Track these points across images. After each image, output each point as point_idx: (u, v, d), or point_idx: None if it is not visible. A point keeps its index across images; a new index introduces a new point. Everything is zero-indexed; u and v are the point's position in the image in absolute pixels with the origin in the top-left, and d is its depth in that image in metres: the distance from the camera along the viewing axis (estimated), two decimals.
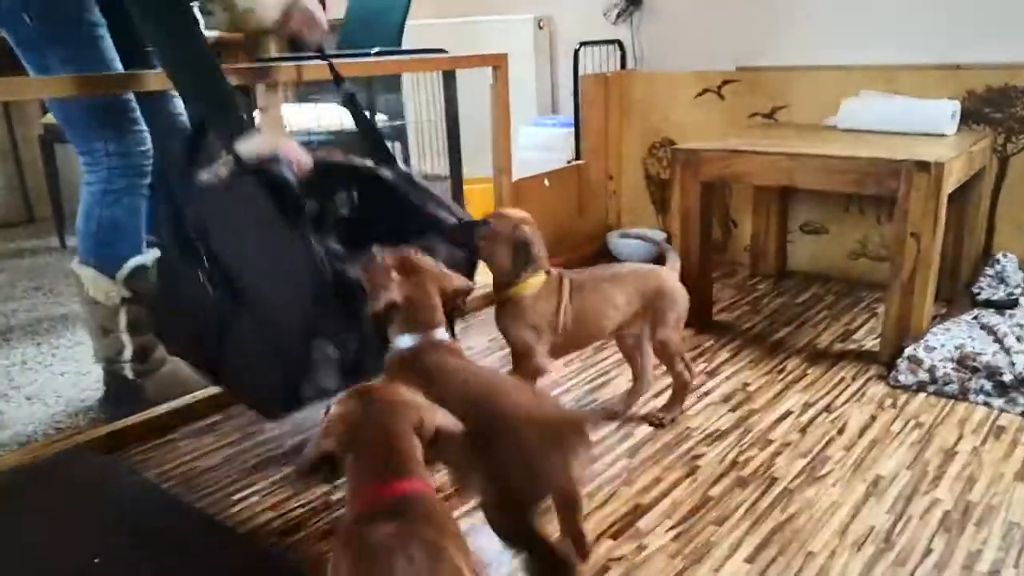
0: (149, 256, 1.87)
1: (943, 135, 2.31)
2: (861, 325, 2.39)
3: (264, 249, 1.48)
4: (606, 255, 3.16)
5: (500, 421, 1.18)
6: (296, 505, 1.57)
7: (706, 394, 1.98)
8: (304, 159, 1.49)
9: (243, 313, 1.54)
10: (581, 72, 3.08)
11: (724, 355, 2.21)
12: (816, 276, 2.84)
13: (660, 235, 3.11)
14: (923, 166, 1.96)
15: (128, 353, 1.86)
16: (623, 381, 2.06)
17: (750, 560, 1.37)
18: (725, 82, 2.90)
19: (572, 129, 3.32)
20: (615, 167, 3.23)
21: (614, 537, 1.44)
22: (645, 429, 1.82)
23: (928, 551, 1.38)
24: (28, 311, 2.68)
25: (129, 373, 1.89)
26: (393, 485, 0.99)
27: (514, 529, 1.21)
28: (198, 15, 1.55)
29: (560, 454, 1.19)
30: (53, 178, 3.44)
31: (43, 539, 1.41)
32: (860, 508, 1.50)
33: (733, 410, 1.89)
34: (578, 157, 3.15)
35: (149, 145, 1.82)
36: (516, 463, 1.17)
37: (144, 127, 1.82)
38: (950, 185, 2.02)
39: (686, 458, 1.69)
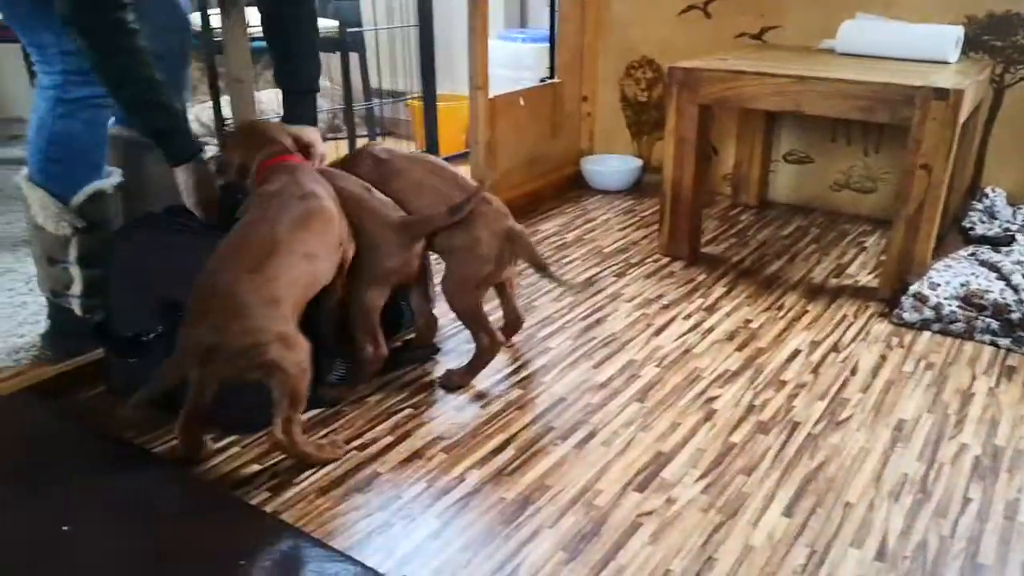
0: (109, 181, 1.63)
1: (946, 62, 2.21)
2: (852, 259, 2.32)
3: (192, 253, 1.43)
4: (580, 182, 3.00)
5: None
6: (283, 456, 1.41)
7: (709, 331, 1.88)
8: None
9: None
10: None
11: (719, 290, 2.10)
12: (798, 207, 2.76)
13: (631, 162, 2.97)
14: (941, 93, 1.85)
15: (78, 287, 1.64)
16: (620, 317, 1.94)
17: (787, 513, 1.28)
18: None
19: (544, 45, 3.11)
20: (589, 88, 3.05)
21: (640, 489, 1.33)
22: (652, 370, 1.71)
23: (966, 500, 1.32)
24: None
25: (77, 308, 1.66)
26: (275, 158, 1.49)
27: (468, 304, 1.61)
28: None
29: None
30: None
31: None
32: (889, 454, 1.43)
33: (740, 349, 1.80)
34: (552, 76, 2.95)
35: None
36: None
37: None
38: (964, 114, 1.92)
39: (700, 401, 1.59)
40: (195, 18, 2.25)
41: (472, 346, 1.65)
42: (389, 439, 1.46)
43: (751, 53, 2.42)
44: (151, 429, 1.49)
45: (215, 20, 2.12)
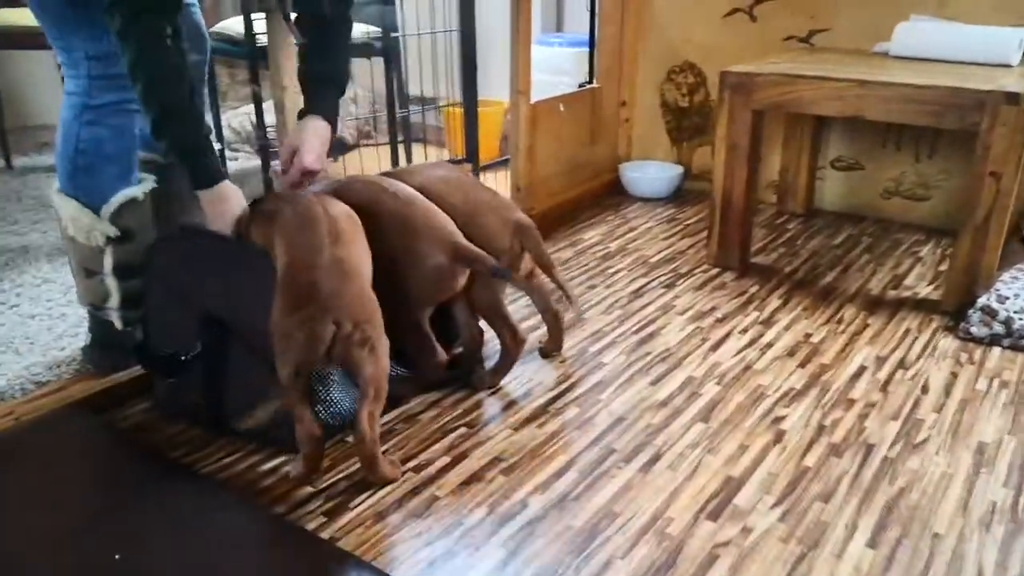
0: (140, 188, 1.58)
1: (1008, 65, 2.13)
2: (908, 270, 2.24)
3: (232, 269, 1.42)
4: (619, 189, 2.94)
5: None
6: (339, 477, 1.35)
7: (768, 346, 1.80)
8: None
9: (231, 348, 1.41)
10: None
11: (774, 302, 2.03)
12: (846, 215, 2.68)
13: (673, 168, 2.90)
14: (1012, 98, 1.78)
15: (115, 300, 1.59)
16: (674, 330, 1.88)
17: (872, 544, 1.21)
18: (758, 1, 2.66)
19: (580, 50, 3.05)
20: (628, 93, 2.99)
21: (713, 517, 1.26)
22: (713, 387, 1.64)
23: None
24: None
25: (117, 321, 1.62)
26: None
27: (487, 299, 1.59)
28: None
29: None
30: None
31: (43, 521, 1.17)
32: (974, 480, 1.35)
33: (802, 365, 1.72)
34: (591, 80, 2.89)
35: None
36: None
37: None
38: None
39: (767, 421, 1.52)
40: (237, 23, 2.21)
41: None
42: (445, 460, 1.40)
43: (802, 57, 2.35)
44: (199, 448, 1.43)
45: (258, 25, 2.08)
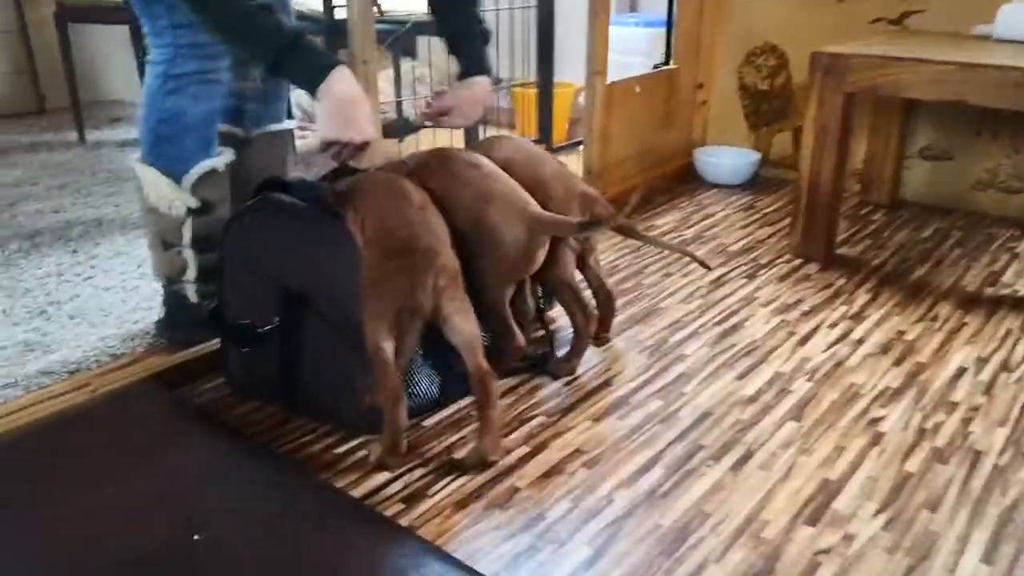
0: (220, 159, 1.55)
1: None
2: (1005, 267, 2.11)
3: (312, 241, 1.37)
4: (692, 175, 2.85)
5: None
6: (416, 464, 1.31)
7: (859, 342, 1.71)
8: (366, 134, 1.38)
9: (310, 322, 1.37)
10: None
11: (862, 296, 1.93)
12: (933, 207, 2.55)
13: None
14: None
15: (192, 272, 1.57)
16: (758, 323, 1.79)
17: (987, 560, 1.12)
18: None
19: (656, 30, 2.96)
20: (705, 75, 2.88)
21: (811, 523, 1.19)
22: (803, 384, 1.56)
23: None
24: (55, 212, 2.37)
25: (192, 295, 1.60)
26: None
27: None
28: None
29: None
30: (69, 62, 3.08)
31: (119, 499, 1.15)
32: None
33: (897, 364, 1.63)
34: (667, 62, 2.80)
35: None
36: None
37: None
38: None
39: (863, 422, 1.44)
40: None
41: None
42: (525, 449, 1.35)
43: (895, 39, 2.23)
44: (274, 427, 1.41)
45: None
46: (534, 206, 1.45)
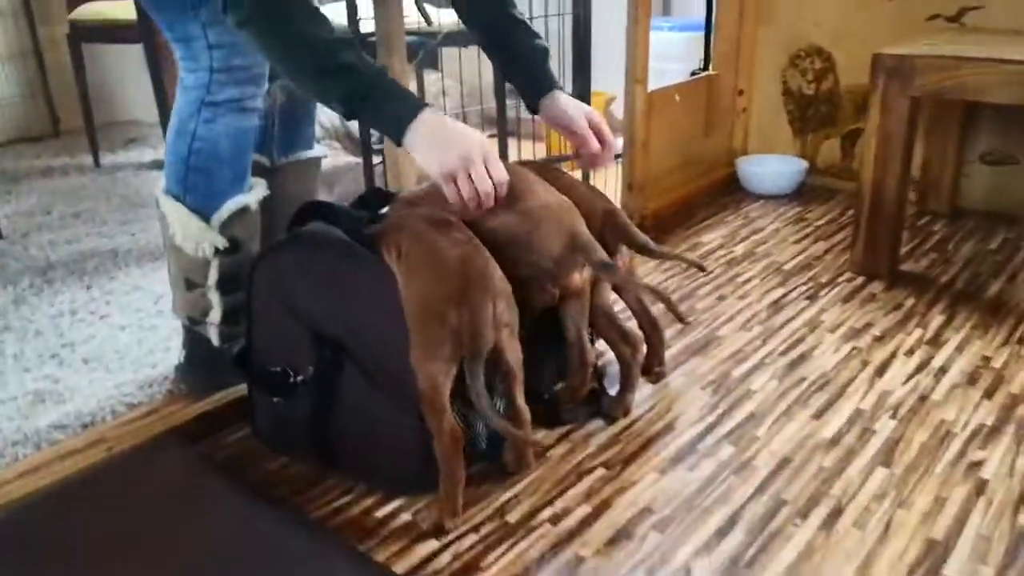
0: (254, 195, 1.42)
1: None
2: None
3: (350, 282, 1.23)
4: (735, 185, 2.70)
5: None
6: (467, 529, 1.17)
7: (942, 372, 1.56)
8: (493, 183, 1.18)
9: (347, 372, 1.24)
10: None
11: (937, 318, 1.78)
12: (997, 216, 2.39)
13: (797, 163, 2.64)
14: None
15: (217, 315, 1.44)
16: (827, 351, 1.64)
17: None
18: None
19: (692, 34, 2.82)
20: (746, 80, 2.74)
21: None
22: (887, 422, 1.41)
23: None
24: (69, 243, 2.26)
25: (215, 337, 1.47)
26: None
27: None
28: None
29: None
30: (83, 83, 2.98)
31: (138, 567, 1.02)
32: None
33: (988, 396, 1.48)
34: (706, 67, 2.65)
35: None
36: None
37: None
38: None
39: (962, 467, 1.28)
40: (337, 9, 2.06)
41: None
42: (586, 509, 1.21)
43: (959, 38, 2.07)
44: (307, 485, 1.27)
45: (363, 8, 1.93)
46: (580, 225, 1.31)
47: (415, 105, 1.16)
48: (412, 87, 2.92)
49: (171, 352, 1.64)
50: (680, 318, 1.47)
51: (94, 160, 3.04)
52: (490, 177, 1.16)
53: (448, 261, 1.14)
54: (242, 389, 1.44)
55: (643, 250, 1.44)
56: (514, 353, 1.19)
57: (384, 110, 1.17)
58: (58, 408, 1.47)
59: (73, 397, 1.50)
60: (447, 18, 2.27)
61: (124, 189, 2.75)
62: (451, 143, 1.14)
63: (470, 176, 1.15)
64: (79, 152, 3.21)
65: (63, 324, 1.78)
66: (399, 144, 1.17)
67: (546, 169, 1.47)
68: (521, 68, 1.47)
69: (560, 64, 2.38)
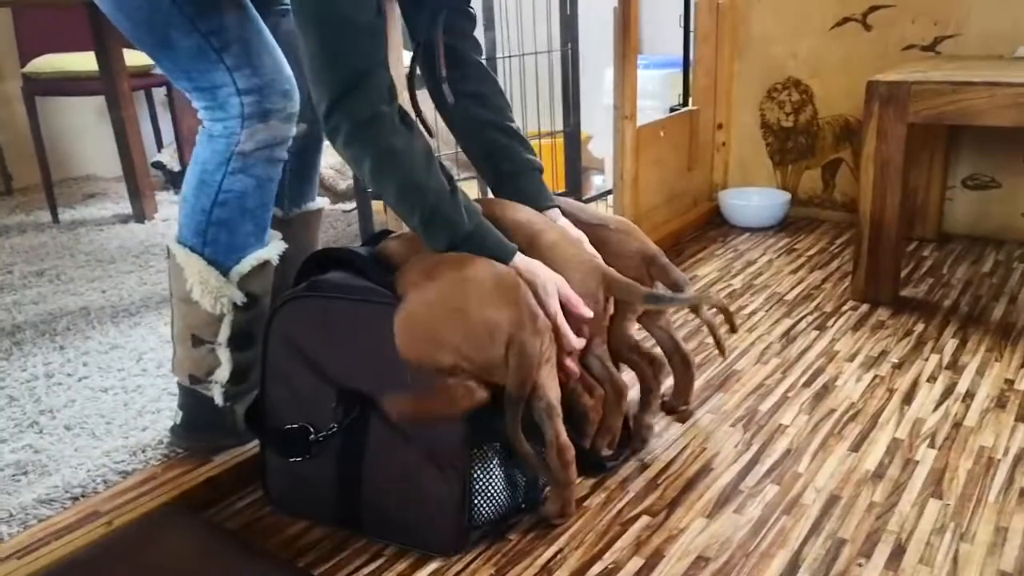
0: (274, 249, 1.33)
1: None
2: None
3: (375, 332, 1.13)
4: (718, 219, 2.69)
5: None
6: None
7: (969, 397, 1.53)
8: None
9: (373, 427, 1.16)
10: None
11: (950, 342, 1.76)
12: (984, 239, 2.41)
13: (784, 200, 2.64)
14: None
15: (225, 373, 1.34)
16: (850, 381, 1.60)
17: None
18: (872, 8, 2.42)
19: (667, 71, 2.83)
20: (724, 114, 2.74)
21: None
22: (927, 452, 1.36)
23: None
24: (35, 303, 2.12)
25: (218, 397, 1.37)
26: None
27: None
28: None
29: None
30: (38, 139, 2.86)
31: None
32: None
33: (1022, 420, 1.44)
34: (686, 103, 2.65)
35: (290, 75, 1.29)
36: None
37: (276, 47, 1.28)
38: None
39: (1014, 493, 1.24)
40: None
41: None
42: (638, 562, 1.13)
43: (941, 65, 2.10)
44: (331, 553, 1.17)
45: None
46: (602, 262, 1.26)
47: (508, 251, 1.18)
48: None
49: (161, 413, 1.53)
50: (722, 344, 1.44)
51: (52, 216, 2.90)
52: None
53: (506, 281, 1.11)
54: (249, 450, 1.34)
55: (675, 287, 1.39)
56: (555, 389, 1.12)
57: (484, 251, 1.16)
58: (43, 480, 1.34)
59: (59, 468, 1.37)
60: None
61: (88, 246, 2.61)
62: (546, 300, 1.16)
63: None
64: (34, 209, 3.06)
65: (38, 389, 1.65)
66: None
67: (571, 206, 1.43)
68: (515, 185, 1.38)
69: (541, 104, 2.35)
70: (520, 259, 1.18)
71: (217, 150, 1.24)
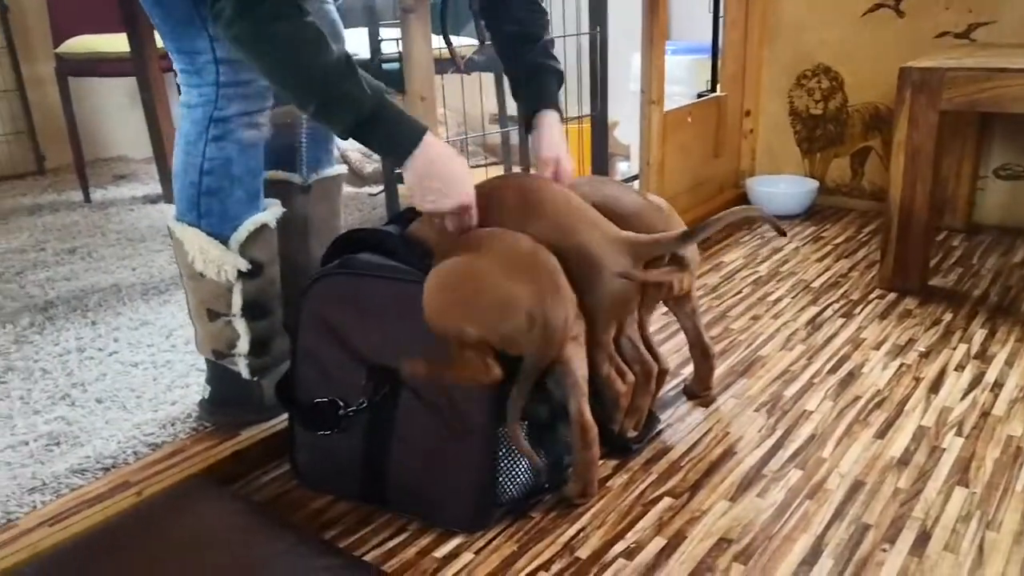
0: (270, 213, 1.35)
1: None
2: None
3: (407, 310, 1.14)
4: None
5: None
6: (536, 567, 1.09)
7: (997, 386, 1.51)
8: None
9: (402, 402, 1.17)
10: None
11: (979, 332, 1.74)
12: (1015, 230, 2.37)
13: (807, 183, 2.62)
14: None
15: (245, 344, 1.36)
16: (875, 368, 1.59)
17: None
18: None
19: (694, 57, 2.81)
20: (752, 101, 2.72)
21: None
22: (954, 440, 1.35)
23: None
24: (67, 280, 2.16)
25: (244, 370, 1.39)
26: None
27: None
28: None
29: None
30: (71, 119, 2.89)
31: None
32: None
33: None
34: (714, 89, 2.63)
35: None
36: None
37: None
38: None
39: None
40: (357, 34, 2.00)
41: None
42: (660, 542, 1.14)
43: (975, 52, 2.07)
44: (356, 526, 1.19)
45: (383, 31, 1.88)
46: (626, 232, 1.25)
47: (419, 128, 1.15)
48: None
49: (190, 388, 1.55)
50: (779, 230, 1.34)
51: (84, 196, 2.94)
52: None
53: (525, 254, 1.12)
54: (276, 425, 1.36)
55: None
56: (583, 368, 1.13)
57: (392, 130, 1.14)
58: (75, 451, 1.37)
59: (91, 439, 1.40)
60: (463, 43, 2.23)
61: (118, 225, 2.65)
62: (448, 189, 1.16)
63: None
64: (66, 189, 3.11)
65: (71, 363, 1.68)
66: (399, 164, 1.17)
67: (600, 182, 1.42)
68: (525, 81, 1.44)
69: (578, 86, 2.34)
70: (425, 150, 1.14)
71: (196, 119, 1.26)
